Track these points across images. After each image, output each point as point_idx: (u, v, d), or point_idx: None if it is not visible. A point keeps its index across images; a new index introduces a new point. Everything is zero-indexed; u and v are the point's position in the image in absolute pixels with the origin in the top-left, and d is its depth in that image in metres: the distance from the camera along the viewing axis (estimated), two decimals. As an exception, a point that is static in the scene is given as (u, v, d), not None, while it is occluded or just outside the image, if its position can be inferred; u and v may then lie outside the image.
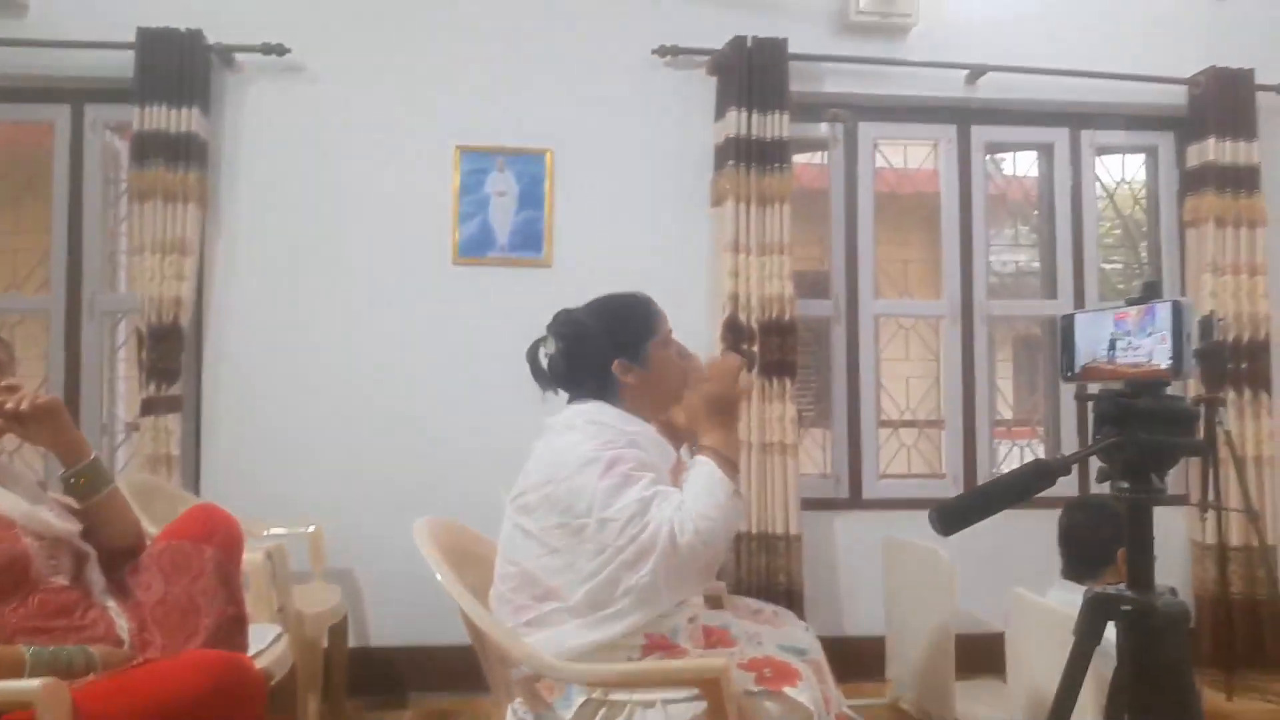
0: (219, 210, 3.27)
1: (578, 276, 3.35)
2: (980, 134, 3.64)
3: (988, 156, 3.70)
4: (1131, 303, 1.10)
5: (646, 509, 1.50)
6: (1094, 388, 1.17)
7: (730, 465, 1.59)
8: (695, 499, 1.53)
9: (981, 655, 3.00)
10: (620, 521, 1.49)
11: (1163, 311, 1.07)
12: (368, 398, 3.27)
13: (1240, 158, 3.46)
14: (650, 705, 1.50)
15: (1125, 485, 1.09)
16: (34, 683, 1.33)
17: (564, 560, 1.55)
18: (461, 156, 3.35)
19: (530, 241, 3.38)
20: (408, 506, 3.11)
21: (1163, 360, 1.06)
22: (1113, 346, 1.12)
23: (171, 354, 3.09)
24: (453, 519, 1.86)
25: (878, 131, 3.63)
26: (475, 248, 3.35)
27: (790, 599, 3.12)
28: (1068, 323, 1.20)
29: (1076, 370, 1.18)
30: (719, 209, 3.33)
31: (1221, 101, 3.47)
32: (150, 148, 3.11)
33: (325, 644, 2.65)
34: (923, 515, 3.20)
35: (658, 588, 1.50)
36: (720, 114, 3.36)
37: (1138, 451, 1.07)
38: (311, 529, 3.03)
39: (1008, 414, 4.32)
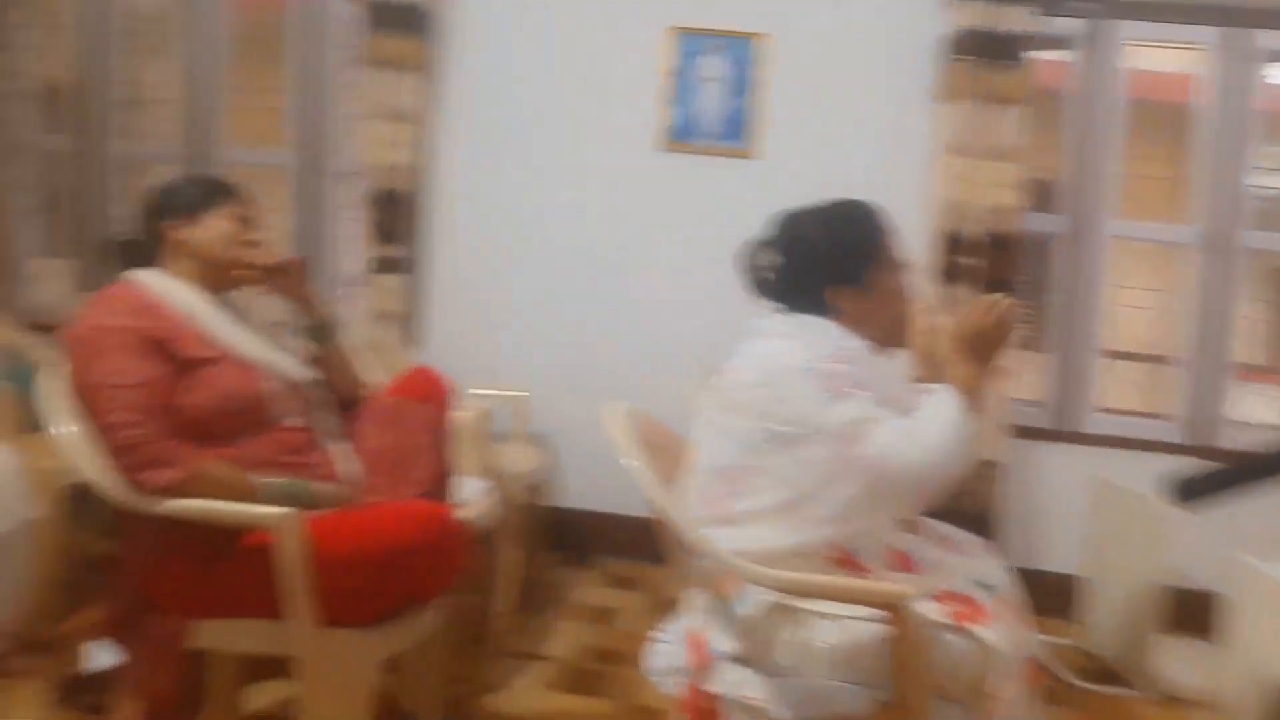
0: (443, 82, 3.38)
1: (785, 171, 3.26)
2: (1255, 37, 3.14)
3: (1263, 66, 3.20)
4: None
5: (861, 427, 1.46)
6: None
7: (975, 403, 1.51)
8: (924, 426, 1.48)
9: (1189, 614, 2.82)
10: (833, 435, 1.47)
11: None
12: (575, 275, 3.39)
13: None
14: (830, 620, 1.50)
15: None
16: (276, 511, 1.48)
17: (767, 462, 1.53)
18: (674, 38, 3.27)
19: (738, 131, 3.29)
20: (605, 384, 3.27)
21: None
22: None
23: (396, 218, 3.28)
24: (643, 407, 1.89)
25: (1130, 31, 3.20)
26: (683, 133, 3.31)
27: (985, 527, 3.01)
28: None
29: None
30: (944, 106, 3.09)
31: None
32: (382, 16, 3.23)
33: (525, 501, 2.82)
34: (1141, 456, 3.02)
35: (860, 506, 1.48)
36: (951, 1, 3.07)
37: None
38: (519, 394, 3.19)
39: (1252, 357, 3.88)
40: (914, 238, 3.08)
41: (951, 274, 3.05)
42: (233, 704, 1.93)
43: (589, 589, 3.05)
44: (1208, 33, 3.18)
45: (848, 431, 1.47)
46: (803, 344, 1.56)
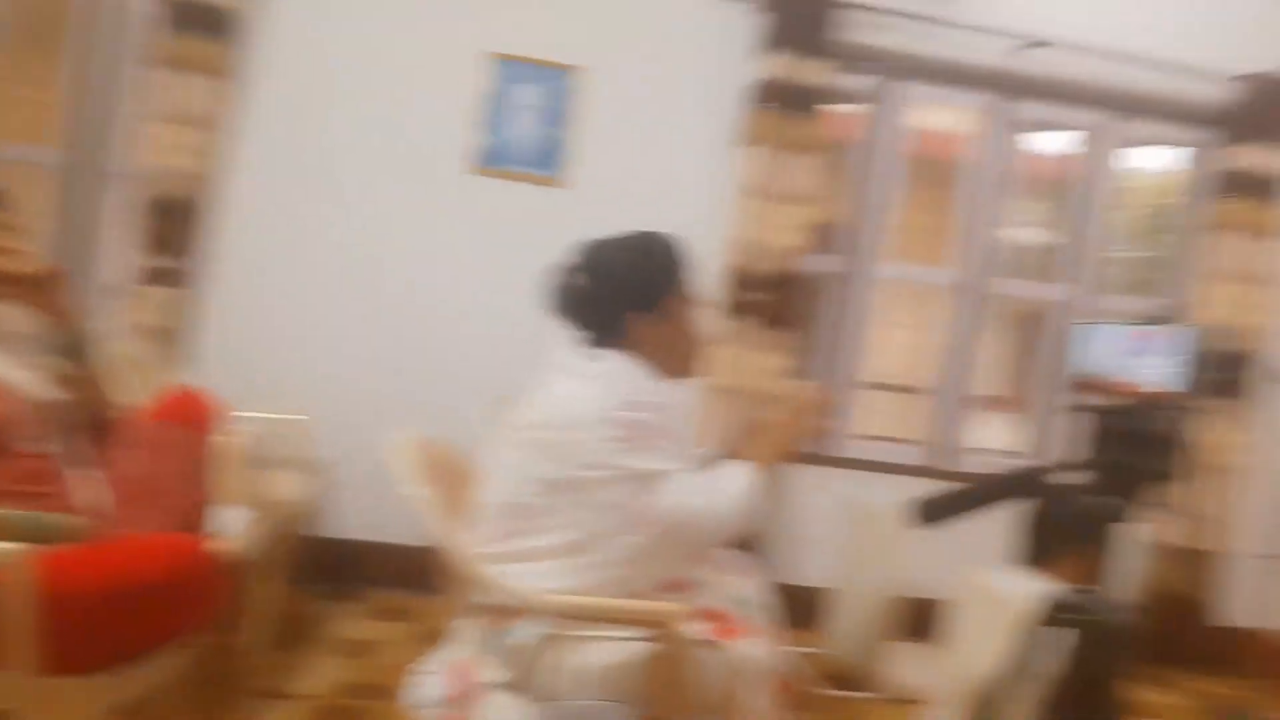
0: (244, 89, 3.20)
1: (593, 200, 3.32)
2: (1016, 108, 3.56)
3: (1022, 133, 3.62)
4: (1148, 323, 1.09)
5: (655, 481, 1.50)
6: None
7: (767, 479, 1.59)
8: (717, 493, 1.54)
9: (921, 621, 3.08)
10: (626, 485, 1.49)
11: (1177, 337, 1.05)
12: (371, 297, 3.28)
13: (1271, 166, 3.39)
14: (599, 643, 1.53)
15: (1104, 500, 1.10)
16: (3, 546, 1.34)
17: (557, 504, 1.55)
18: (491, 63, 3.27)
19: (549, 159, 3.32)
20: (395, 409, 3.20)
21: (1169, 383, 1.05)
22: (1122, 362, 1.11)
23: (175, 226, 3.06)
24: (436, 433, 1.85)
25: (915, 91, 3.53)
26: (495, 159, 3.30)
27: (751, 545, 3.16)
28: (1082, 332, 1.19)
29: (1082, 380, 1.17)
30: (745, 150, 3.27)
31: (1263, 108, 3.38)
32: (182, 15, 3.03)
33: (294, 531, 2.68)
34: (893, 479, 3.26)
35: (644, 556, 1.51)
36: (760, 53, 3.27)
37: (1122, 471, 1.07)
38: (297, 417, 3.04)
39: (992, 389, 4.32)
40: (710, 274, 3.24)
41: (740, 309, 3.21)
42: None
43: (352, 622, 2.93)
44: (978, 98, 3.54)
45: (641, 483, 1.49)
46: (602, 389, 1.57)
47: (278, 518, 2.51)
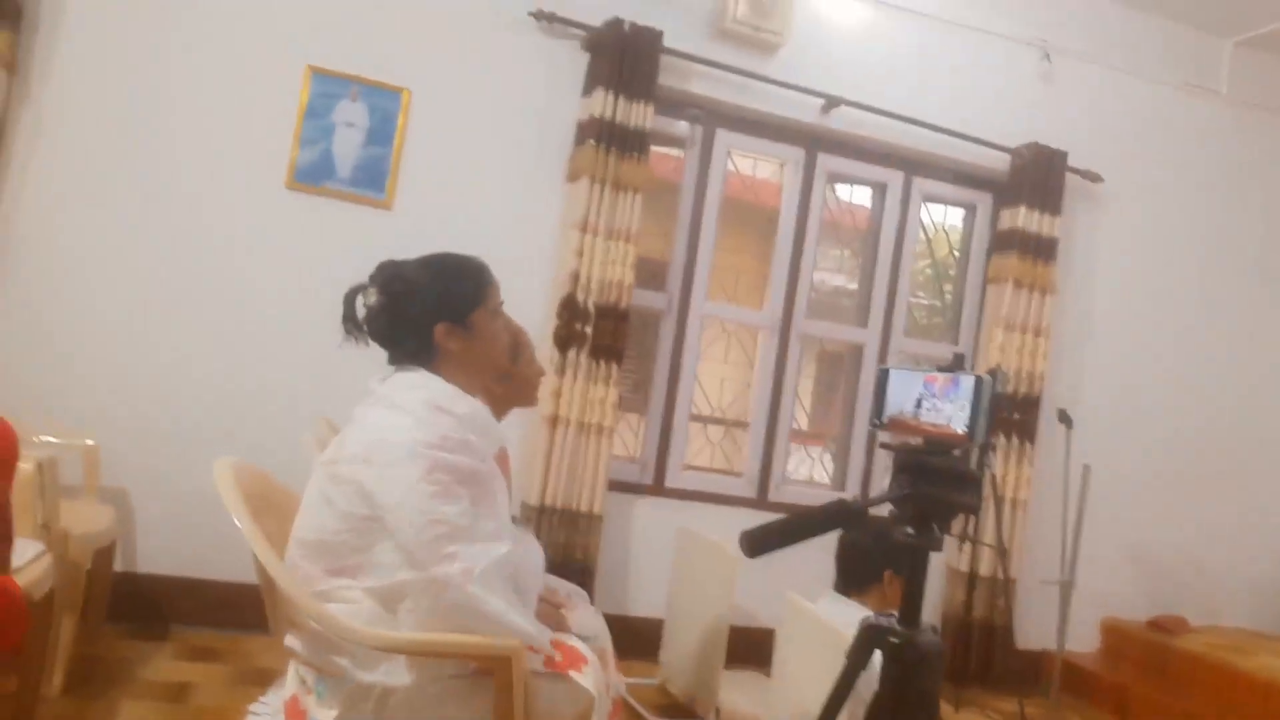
0: (30, 79, 2.95)
1: (418, 225, 3.28)
2: (825, 161, 3.84)
3: (828, 185, 3.91)
4: (941, 369, 1.23)
5: (455, 537, 1.45)
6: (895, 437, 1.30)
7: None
8: (509, 608, 1.49)
9: (750, 649, 3.23)
10: (426, 536, 1.45)
11: (967, 383, 1.19)
12: (173, 314, 3.07)
13: (1044, 229, 3.84)
14: (435, 686, 1.51)
15: (910, 531, 1.22)
16: None
17: (364, 542, 1.50)
18: (312, 77, 3.18)
19: (373, 180, 3.26)
20: (198, 436, 3.03)
21: (960, 425, 1.19)
22: (919, 404, 1.25)
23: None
24: (252, 462, 1.77)
25: (733, 140, 3.75)
26: (314, 175, 3.19)
27: (584, 576, 3.21)
28: (883, 375, 1.31)
29: (884, 419, 1.30)
30: (573, 185, 3.34)
31: (1036, 175, 3.83)
32: None
33: (89, 566, 2.48)
34: (718, 509, 3.42)
35: (433, 617, 1.47)
36: (587, 91, 3.37)
37: (926, 504, 1.19)
38: (88, 443, 2.82)
39: (804, 424, 4.60)
40: (537, 305, 3.27)
41: (568, 340, 3.25)
42: None
43: (163, 663, 2.73)
44: (790, 150, 3.80)
45: (442, 536, 1.45)
46: (415, 421, 1.53)
47: (74, 550, 2.32)
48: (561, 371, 3.23)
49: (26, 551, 1.95)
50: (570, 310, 3.25)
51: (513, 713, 1.48)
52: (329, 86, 3.20)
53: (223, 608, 3.00)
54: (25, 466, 2.11)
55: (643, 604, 3.50)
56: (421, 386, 1.59)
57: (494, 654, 1.49)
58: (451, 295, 1.66)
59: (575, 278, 3.27)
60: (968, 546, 3.68)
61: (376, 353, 1.70)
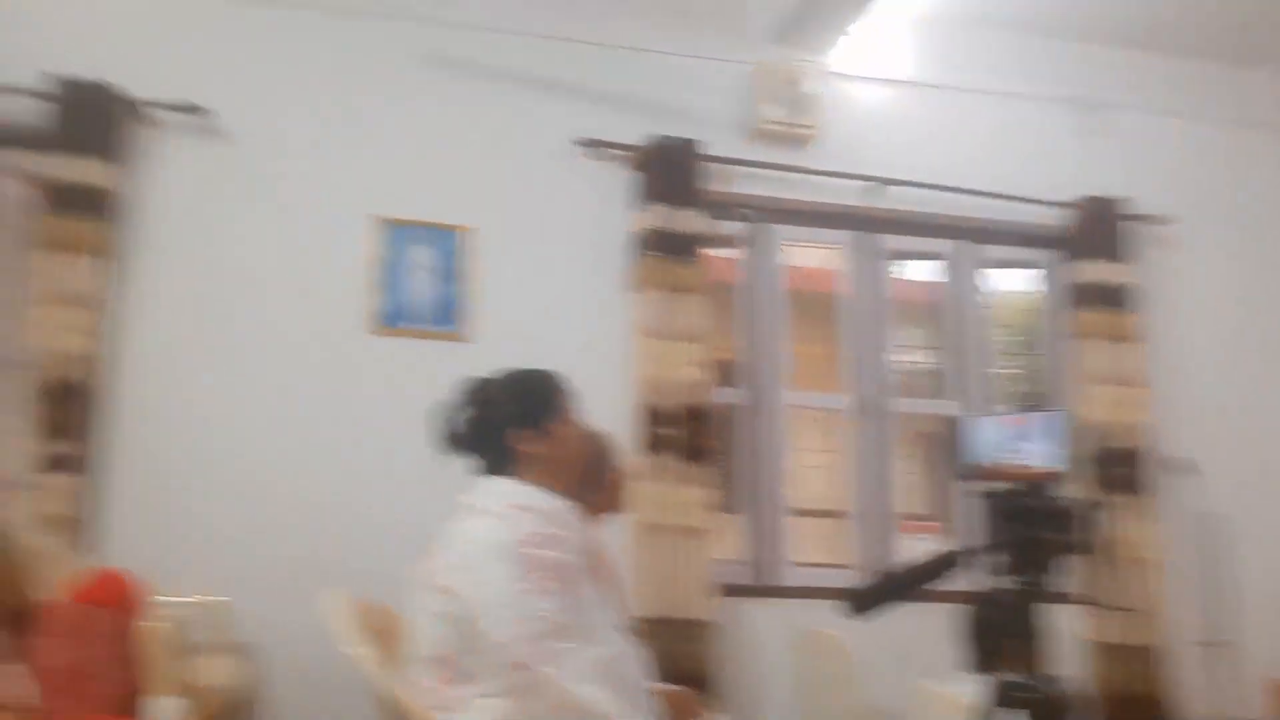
0: (128, 267, 3.21)
1: (495, 353, 3.33)
2: (881, 241, 3.88)
3: (889, 262, 3.93)
4: (1021, 410, 1.22)
5: (556, 634, 1.49)
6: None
7: None
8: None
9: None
10: (524, 633, 1.48)
11: (1048, 419, 1.19)
12: (278, 467, 3.21)
13: (1115, 277, 3.77)
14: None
15: (1016, 578, 1.19)
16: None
17: (477, 645, 1.53)
18: (380, 227, 3.39)
19: (448, 316, 3.41)
20: (318, 581, 3.04)
21: (1049, 462, 1.18)
22: (1005, 448, 1.24)
23: (72, 411, 2.98)
24: (363, 594, 1.84)
25: (785, 233, 3.82)
26: (392, 319, 3.37)
27: (704, 686, 3.12)
28: (963, 425, 1.31)
29: (971, 469, 1.29)
30: (636, 295, 3.45)
31: (1098, 226, 3.80)
32: (59, 197, 3.06)
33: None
34: (831, 603, 3.31)
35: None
36: (638, 206, 3.52)
37: (1027, 547, 1.17)
38: (218, 599, 2.91)
39: (912, 508, 4.48)
40: (618, 412, 3.32)
41: (654, 444, 3.30)
42: None
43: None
44: (843, 235, 3.86)
45: (536, 638, 1.48)
46: (500, 521, 1.60)
47: (209, 705, 2.38)
48: (649, 477, 3.26)
49: (167, 708, 2.02)
50: (651, 415, 3.31)
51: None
52: (396, 233, 3.41)
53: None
54: (161, 626, 2.22)
55: (773, 709, 3.35)
56: (504, 491, 1.68)
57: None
58: (530, 404, 1.78)
59: (651, 382, 3.33)
60: (1101, 614, 3.46)
61: (469, 477, 1.79)
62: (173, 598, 2.75)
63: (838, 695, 2.80)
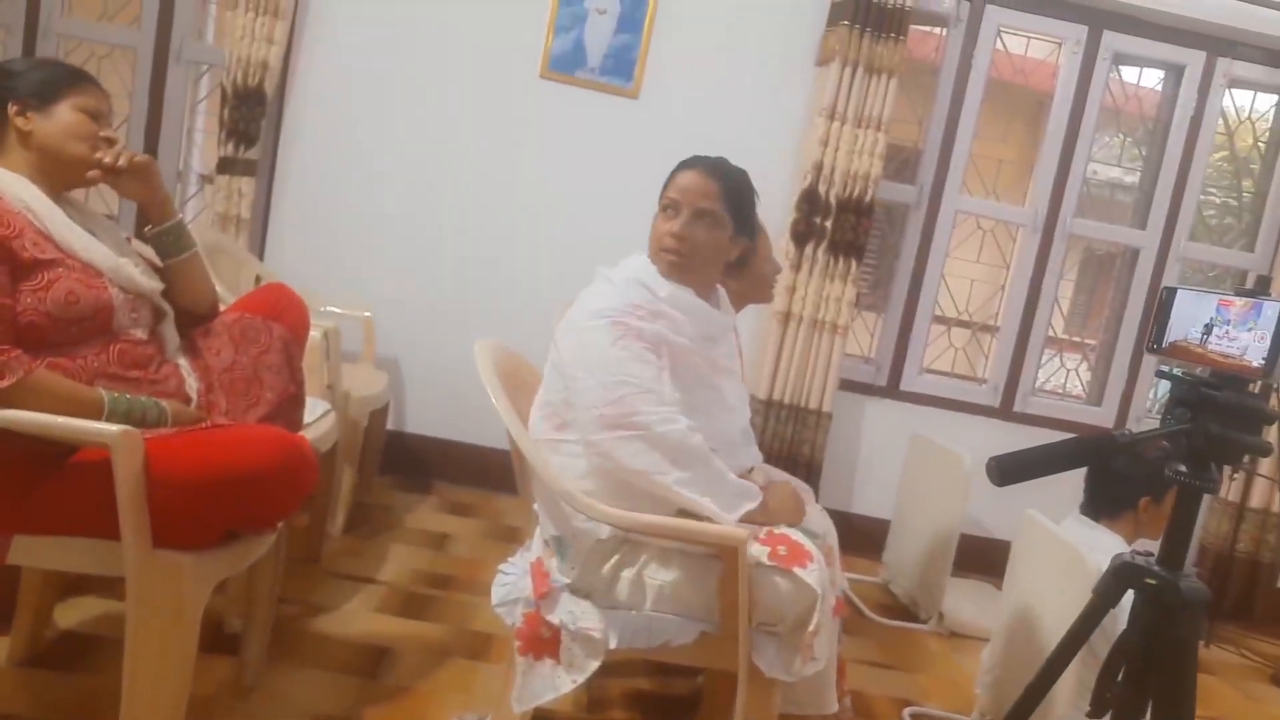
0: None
1: (663, 114, 3.28)
2: (1110, 40, 3.41)
3: (1113, 66, 3.48)
4: (1240, 294, 1.08)
5: (642, 396, 1.54)
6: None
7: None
8: (697, 469, 1.56)
9: (979, 559, 3.15)
10: (613, 395, 1.54)
11: (1270, 311, 1.04)
12: (438, 197, 3.30)
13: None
14: (667, 558, 1.59)
15: (1183, 470, 1.11)
16: (114, 428, 1.42)
17: (571, 399, 1.61)
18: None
19: (622, 68, 3.27)
20: (459, 313, 3.27)
21: (1256, 357, 1.05)
22: (1208, 331, 1.11)
23: (253, 116, 3.10)
24: (503, 341, 1.92)
25: (1003, 18, 3.40)
26: (565, 64, 3.25)
27: (810, 472, 3.22)
28: (1168, 295, 1.17)
29: (1165, 344, 1.17)
30: (822, 69, 3.19)
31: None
32: None
33: (366, 424, 2.79)
34: (955, 416, 3.28)
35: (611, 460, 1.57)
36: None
37: (1206, 442, 1.07)
38: (366, 314, 3.13)
39: (1059, 330, 4.25)
40: (779, 198, 3.20)
41: (808, 233, 3.18)
42: (44, 619, 1.87)
43: (425, 514, 3.05)
44: (1071, 28, 3.40)
45: (623, 400, 1.54)
46: (614, 289, 1.64)
47: (352, 411, 2.61)
48: (797, 267, 3.18)
49: (315, 409, 2.22)
50: (810, 203, 3.16)
51: (735, 602, 1.54)
52: (580, -28, 3.21)
53: (478, 469, 3.30)
54: (313, 335, 2.38)
55: (869, 504, 3.47)
56: (631, 264, 1.71)
57: (717, 542, 1.55)
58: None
59: (818, 169, 3.16)
60: (1240, 476, 3.32)
61: (622, 237, 1.84)
62: (324, 307, 2.97)
63: (941, 503, 2.82)
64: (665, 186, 1.74)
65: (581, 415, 1.59)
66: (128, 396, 1.56)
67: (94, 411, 1.50)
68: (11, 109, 1.58)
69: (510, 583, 1.71)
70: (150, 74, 3.28)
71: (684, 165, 1.74)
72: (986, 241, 3.81)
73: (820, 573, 1.61)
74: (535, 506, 1.73)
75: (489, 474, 3.25)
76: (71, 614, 1.98)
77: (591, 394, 1.57)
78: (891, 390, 3.50)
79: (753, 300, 2.10)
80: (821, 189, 3.16)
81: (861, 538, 3.27)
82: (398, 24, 3.22)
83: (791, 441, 3.24)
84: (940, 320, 3.68)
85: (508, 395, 1.70)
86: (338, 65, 3.23)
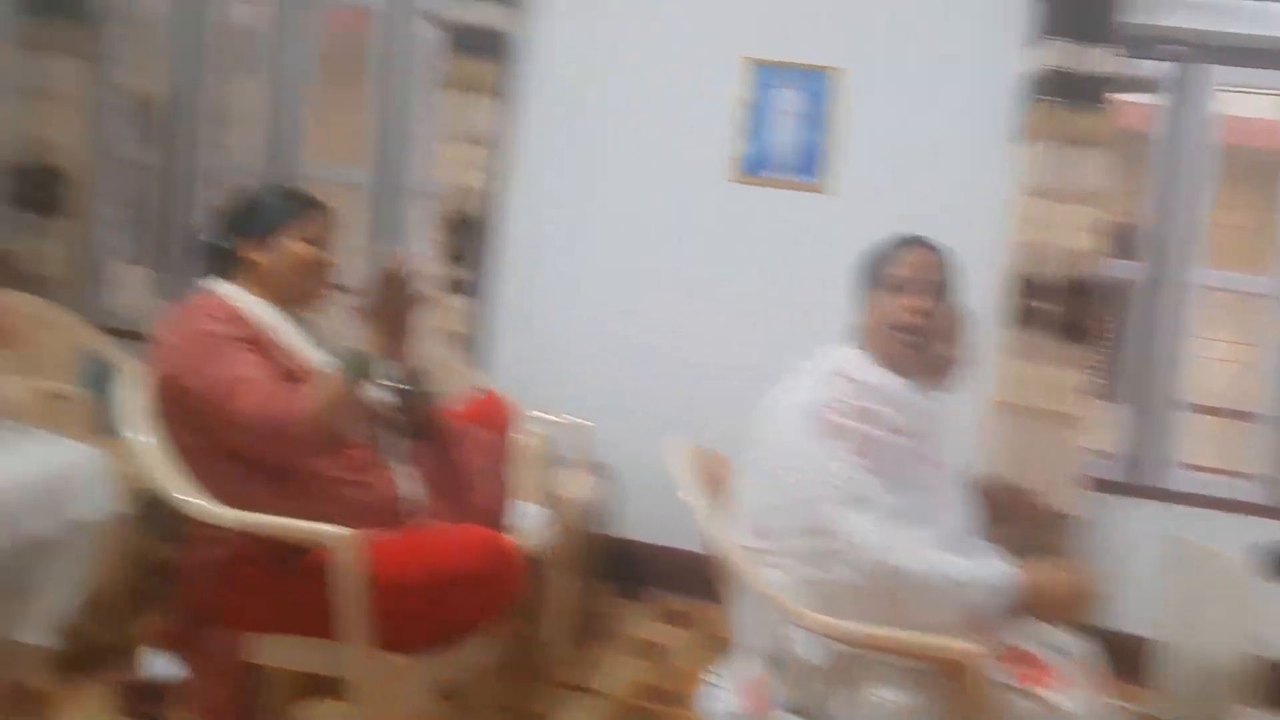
0: (518, 105, 3.41)
1: (857, 207, 3.22)
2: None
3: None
4: None
5: (845, 503, 1.43)
6: None
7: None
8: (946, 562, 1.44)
9: (1273, 685, 2.69)
10: (814, 497, 1.45)
11: None
12: (640, 304, 3.38)
13: None
14: (891, 676, 1.45)
15: None
16: (336, 530, 1.48)
17: (778, 500, 1.52)
18: (749, 68, 3.27)
19: (811, 165, 3.26)
20: (668, 414, 3.27)
21: None
22: None
23: (467, 240, 3.32)
24: (705, 440, 1.87)
25: (1220, 75, 3.10)
26: (754, 166, 3.29)
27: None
28: None
29: None
30: (1021, 147, 3.03)
31: None
32: (462, 38, 3.28)
33: (582, 529, 2.80)
34: (1219, 515, 2.90)
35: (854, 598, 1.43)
36: (1035, 41, 3.01)
37: None
38: (582, 420, 3.18)
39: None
40: (987, 279, 3.02)
41: (1026, 318, 2.97)
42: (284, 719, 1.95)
43: (642, 623, 3.02)
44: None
45: (823, 504, 1.44)
46: (814, 382, 1.57)
47: (570, 516, 2.64)
48: (1017, 353, 2.96)
49: (535, 515, 2.26)
50: (1026, 285, 2.97)
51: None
52: (765, 76, 3.26)
53: (696, 575, 3.21)
54: (528, 441, 2.45)
55: (1127, 619, 3.06)
56: (834, 355, 1.64)
57: (945, 656, 1.40)
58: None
59: (1030, 248, 2.97)
60: None
61: (819, 332, 1.75)
62: (541, 415, 3.04)
63: (1216, 621, 2.45)
64: (881, 265, 1.67)
65: (780, 520, 1.51)
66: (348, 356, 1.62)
67: (348, 396, 1.60)
68: (241, 245, 1.75)
69: (721, 697, 1.62)
70: (378, 207, 3.60)
71: (906, 243, 1.68)
72: (1226, 317, 3.42)
73: (1072, 695, 1.42)
74: (741, 616, 1.65)
75: (704, 581, 3.17)
76: (313, 715, 2.04)
77: (790, 496, 1.48)
78: (1143, 488, 3.13)
79: (931, 383, 1.97)
80: (1036, 270, 2.96)
81: (1120, 657, 2.88)
82: (594, 146, 3.39)
83: (1032, 548, 2.93)
84: (1192, 408, 3.29)
85: (710, 497, 1.66)
86: (540, 184, 3.42)
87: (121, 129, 3.65)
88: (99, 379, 2.54)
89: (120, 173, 3.66)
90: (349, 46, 3.86)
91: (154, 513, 2.14)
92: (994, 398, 2.97)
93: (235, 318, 1.67)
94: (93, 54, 3.54)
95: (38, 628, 1.94)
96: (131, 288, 3.63)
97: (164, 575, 2.22)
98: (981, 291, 2.88)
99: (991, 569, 1.46)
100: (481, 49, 3.28)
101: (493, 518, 1.80)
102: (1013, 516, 1.80)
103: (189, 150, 3.65)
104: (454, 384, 3.08)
